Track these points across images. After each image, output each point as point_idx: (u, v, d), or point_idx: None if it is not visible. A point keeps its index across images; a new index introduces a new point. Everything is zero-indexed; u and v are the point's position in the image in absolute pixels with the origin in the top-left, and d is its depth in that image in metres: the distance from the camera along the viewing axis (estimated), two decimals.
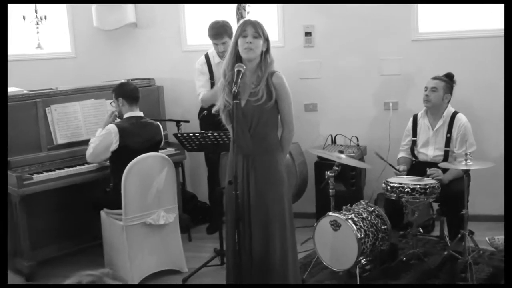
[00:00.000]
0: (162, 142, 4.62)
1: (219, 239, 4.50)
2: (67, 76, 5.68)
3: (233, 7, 5.04)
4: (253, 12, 5.00)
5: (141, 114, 4.44)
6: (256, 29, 3.20)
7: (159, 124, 4.56)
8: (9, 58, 5.85)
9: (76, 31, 5.77)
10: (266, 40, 3.27)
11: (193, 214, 5.41)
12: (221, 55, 4.86)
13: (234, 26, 4.89)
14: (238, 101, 3.05)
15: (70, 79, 5.52)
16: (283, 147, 3.33)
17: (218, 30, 4.83)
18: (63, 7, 5.79)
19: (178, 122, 5.22)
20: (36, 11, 5.75)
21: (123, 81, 4.91)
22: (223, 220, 5.09)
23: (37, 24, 5.78)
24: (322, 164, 4.99)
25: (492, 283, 3.92)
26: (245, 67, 3.13)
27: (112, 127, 4.28)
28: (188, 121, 5.27)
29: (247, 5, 4.84)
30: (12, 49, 5.99)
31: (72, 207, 4.76)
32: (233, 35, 4.69)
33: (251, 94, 3.19)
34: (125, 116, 4.40)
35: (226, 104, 3.21)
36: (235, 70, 3.11)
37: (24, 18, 5.73)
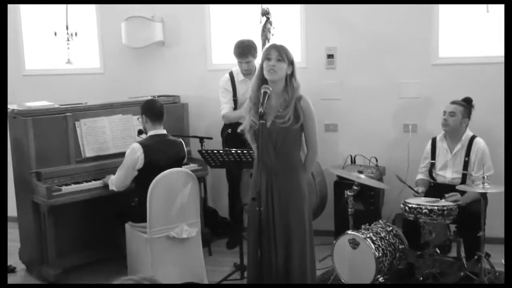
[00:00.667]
0: (185, 159, 4.75)
1: (239, 254, 4.61)
2: (95, 91, 5.86)
3: (258, 27, 5.21)
4: (278, 34, 5.17)
5: (164, 132, 4.55)
6: (280, 53, 3.34)
7: (182, 141, 4.69)
8: (39, 73, 6.12)
9: (105, 48, 5.96)
10: (291, 63, 3.40)
11: (214, 229, 5.52)
12: (244, 73, 5.12)
13: (259, 48, 5.09)
14: (264, 122, 3.19)
15: (98, 94, 5.69)
16: (306, 167, 3.46)
17: (244, 50, 5.03)
18: (93, 24, 5.99)
19: (201, 139, 5.36)
20: (67, 27, 5.95)
21: (149, 98, 5.05)
22: (243, 235, 5.24)
23: (68, 40, 5.98)
24: (342, 183, 5.10)
25: None
26: (271, 89, 3.26)
27: (136, 146, 4.40)
28: (211, 138, 5.41)
29: (271, 27, 5.01)
30: (43, 64, 6.22)
31: (97, 218, 4.90)
32: (257, 55, 4.91)
33: (278, 116, 3.32)
34: (149, 134, 4.52)
35: (252, 124, 3.34)
36: (262, 91, 3.24)
37: (55, 34, 5.93)
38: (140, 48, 5.74)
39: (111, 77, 5.96)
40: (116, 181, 4.52)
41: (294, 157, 3.40)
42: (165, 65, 5.81)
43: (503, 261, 4.41)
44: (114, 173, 4.65)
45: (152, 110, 4.52)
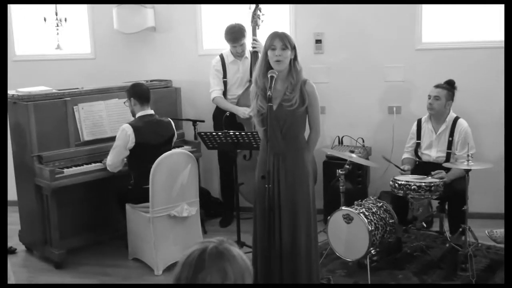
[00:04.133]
0: (175, 137, 4.88)
1: (236, 231, 4.79)
2: (86, 76, 5.94)
3: (247, 13, 5.39)
4: (266, 20, 5.36)
5: (152, 112, 4.72)
6: (284, 42, 3.52)
7: (170, 120, 4.86)
8: (29, 58, 6.18)
9: (96, 33, 6.04)
10: (293, 49, 3.58)
11: (206, 208, 5.70)
12: (238, 55, 5.37)
13: (249, 34, 5.28)
14: (272, 105, 3.39)
15: (89, 79, 5.78)
16: (310, 147, 3.68)
17: (237, 35, 5.27)
18: (83, 10, 6.07)
19: (194, 122, 5.55)
20: (56, 13, 6.02)
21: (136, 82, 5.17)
22: (233, 214, 5.47)
23: (57, 26, 6.06)
24: (330, 163, 5.35)
25: (489, 274, 4.29)
26: (277, 73, 3.46)
27: (127, 126, 4.56)
28: (203, 121, 5.59)
29: (261, 14, 5.21)
30: (33, 49, 6.28)
31: (97, 200, 5.06)
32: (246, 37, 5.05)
33: (284, 99, 3.52)
34: (138, 115, 4.68)
35: (260, 109, 3.53)
36: (269, 76, 3.43)
37: (45, 19, 5.99)
38: (132, 34, 5.84)
39: (102, 62, 6.05)
40: (109, 162, 4.66)
41: (299, 139, 3.60)
42: (157, 51, 5.93)
43: (486, 232, 4.75)
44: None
45: (139, 92, 4.68)
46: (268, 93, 3.36)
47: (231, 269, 1.66)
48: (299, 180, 3.56)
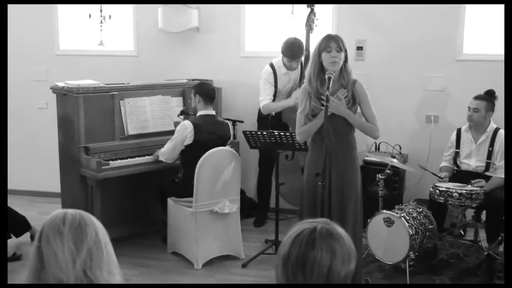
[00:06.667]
0: (231, 139, 5.02)
1: (275, 231, 4.87)
2: (128, 73, 6.03)
3: (290, 18, 5.50)
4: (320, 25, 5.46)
5: (213, 113, 4.84)
6: (339, 44, 3.64)
7: (229, 123, 4.98)
8: (72, 53, 6.32)
9: (140, 31, 6.15)
10: (345, 51, 3.70)
11: (241, 208, 5.77)
12: (291, 69, 5.34)
13: (303, 37, 5.33)
14: (329, 104, 3.48)
15: (131, 76, 5.86)
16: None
17: (297, 52, 5.26)
18: (128, 8, 6.19)
19: (234, 122, 5.65)
20: (101, 10, 6.15)
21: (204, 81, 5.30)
22: (267, 215, 5.56)
23: (101, 22, 6.19)
24: (367, 168, 5.41)
25: None
26: (334, 74, 3.56)
27: (188, 123, 4.67)
28: (242, 121, 5.69)
29: (315, 18, 5.28)
30: (76, 45, 6.40)
31: (138, 194, 5.18)
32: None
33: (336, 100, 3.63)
34: (199, 113, 4.79)
35: (314, 109, 3.64)
36: (326, 77, 3.53)
37: (89, 16, 6.12)
38: (175, 33, 5.96)
39: (144, 60, 6.16)
40: (165, 152, 4.76)
41: (350, 137, 3.73)
42: (199, 51, 6.02)
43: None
44: (153, 152, 4.93)
45: (206, 91, 4.80)
46: (326, 93, 3.46)
47: (339, 248, 1.74)
48: (349, 179, 3.67)
